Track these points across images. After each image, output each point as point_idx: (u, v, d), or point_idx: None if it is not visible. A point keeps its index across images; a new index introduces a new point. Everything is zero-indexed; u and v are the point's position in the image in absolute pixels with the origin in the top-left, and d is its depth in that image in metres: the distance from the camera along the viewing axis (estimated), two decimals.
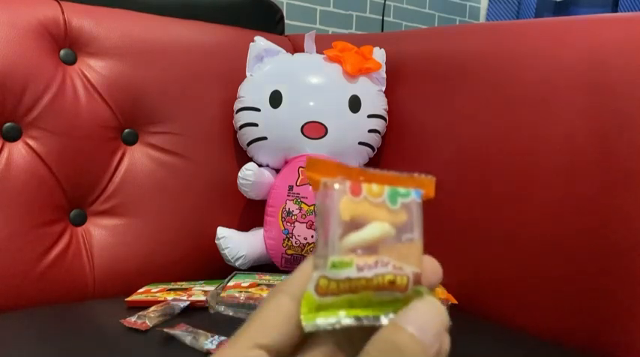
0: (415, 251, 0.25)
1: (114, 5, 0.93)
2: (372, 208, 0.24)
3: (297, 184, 0.88)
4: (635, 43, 0.67)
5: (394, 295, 0.24)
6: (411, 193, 0.25)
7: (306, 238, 0.86)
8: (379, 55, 0.94)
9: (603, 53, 0.69)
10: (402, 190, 0.25)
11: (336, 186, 0.24)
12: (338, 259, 0.23)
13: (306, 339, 0.25)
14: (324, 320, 0.23)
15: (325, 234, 0.24)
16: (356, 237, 0.24)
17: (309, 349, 0.25)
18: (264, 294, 0.73)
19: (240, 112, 0.91)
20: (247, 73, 0.93)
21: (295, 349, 0.25)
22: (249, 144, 0.91)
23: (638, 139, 0.64)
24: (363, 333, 0.24)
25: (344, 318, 0.23)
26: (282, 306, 0.24)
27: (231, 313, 0.72)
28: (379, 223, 0.24)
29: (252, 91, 0.91)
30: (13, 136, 0.80)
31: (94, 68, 0.86)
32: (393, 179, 0.25)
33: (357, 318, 0.24)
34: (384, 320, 0.24)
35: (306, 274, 0.25)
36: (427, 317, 0.23)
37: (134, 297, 0.76)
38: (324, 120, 0.88)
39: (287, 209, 0.87)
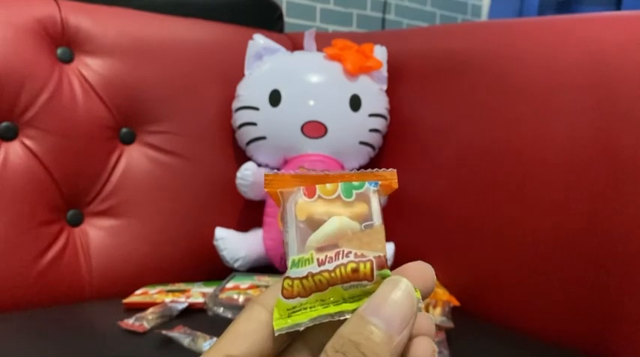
0: (377, 235, 0.24)
1: (111, 3, 0.92)
2: (327, 204, 0.24)
3: None
4: (637, 41, 0.66)
5: (363, 285, 0.24)
6: (365, 184, 0.25)
7: None
8: (380, 53, 0.93)
9: (606, 52, 0.68)
10: (355, 183, 0.25)
11: (290, 192, 0.25)
12: (297, 257, 0.24)
13: (282, 353, 0.24)
14: (295, 323, 0.23)
15: (287, 239, 0.24)
16: (316, 235, 0.24)
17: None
18: None
19: (239, 111, 0.90)
20: (246, 72, 0.93)
21: (267, 355, 0.24)
22: (248, 143, 0.91)
23: None
24: (328, 329, 0.23)
25: (316, 319, 0.23)
26: (254, 316, 0.24)
27: (229, 315, 0.71)
28: (336, 217, 0.24)
29: (250, 89, 0.90)
30: (9, 136, 0.79)
31: (91, 67, 0.85)
32: (351, 177, 0.26)
33: (330, 315, 0.23)
34: None
35: (279, 286, 0.24)
36: (393, 303, 0.22)
37: (132, 298, 0.76)
38: (324, 119, 0.87)
39: None
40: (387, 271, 0.24)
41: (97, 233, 0.84)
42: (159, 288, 0.80)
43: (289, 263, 0.24)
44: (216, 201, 0.93)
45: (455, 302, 0.78)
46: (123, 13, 0.91)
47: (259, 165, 0.90)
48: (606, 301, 0.65)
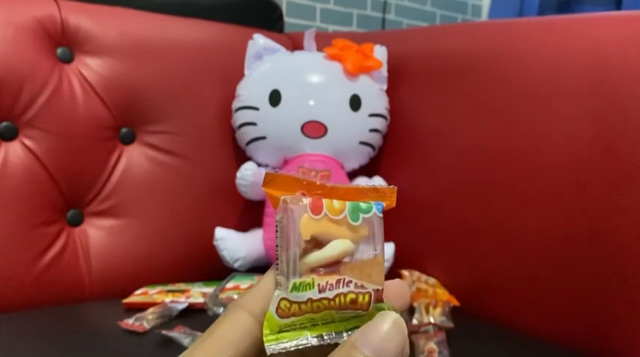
0: (377, 267, 0.24)
1: (111, 3, 0.92)
2: (333, 225, 0.24)
3: None
4: (637, 41, 0.66)
5: (357, 312, 0.24)
6: (373, 208, 0.24)
7: None
8: (380, 53, 0.93)
9: (606, 52, 0.68)
10: (363, 204, 0.24)
11: (296, 205, 0.23)
12: (299, 281, 0.23)
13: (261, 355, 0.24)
14: (288, 342, 0.23)
15: (286, 252, 0.23)
16: (317, 256, 0.23)
17: None
18: None
19: (239, 111, 0.90)
20: (246, 72, 0.93)
21: None
22: (248, 143, 0.91)
23: None
24: (317, 348, 0.24)
25: (306, 339, 0.23)
26: (240, 322, 0.24)
27: None
28: (340, 241, 0.24)
29: (250, 89, 0.90)
30: (9, 136, 0.79)
31: (91, 67, 0.85)
32: (354, 192, 0.25)
33: (320, 337, 0.24)
34: (346, 337, 0.24)
35: (265, 289, 0.24)
36: (386, 337, 0.23)
37: (131, 299, 0.76)
38: (324, 119, 0.87)
39: None
40: (382, 305, 0.24)
41: (96, 233, 0.84)
42: (159, 288, 0.80)
43: (289, 285, 0.23)
44: (216, 201, 0.93)
45: (455, 302, 0.78)
46: (123, 13, 0.91)
47: (259, 165, 0.90)
48: (606, 301, 0.65)
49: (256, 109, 0.88)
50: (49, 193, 0.80)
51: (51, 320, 0.71)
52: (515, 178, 0.75)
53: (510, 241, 0.75)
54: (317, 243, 0.24)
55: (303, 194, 0.24)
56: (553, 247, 0.70)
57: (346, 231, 0.24)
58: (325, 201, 0.24)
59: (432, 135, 0.89)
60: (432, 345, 0.63)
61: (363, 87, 0.90)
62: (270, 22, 1.11)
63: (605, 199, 0.66)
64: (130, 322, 0.67)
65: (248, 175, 0.86)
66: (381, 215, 0.25)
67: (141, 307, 0.73)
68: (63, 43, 0.85)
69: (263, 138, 0.89)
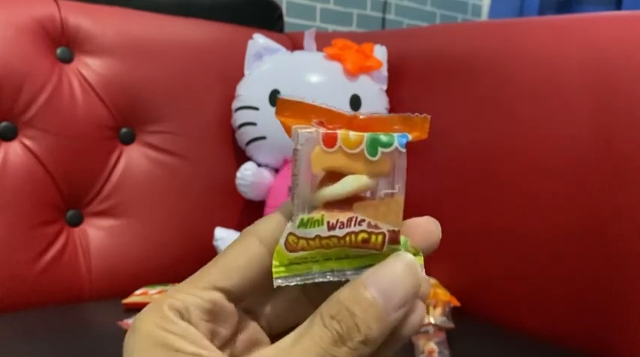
0: (395, 207, 0.22)
1: (111, 3, 0.92)
2: (347, 159, 0.22)
3: None
4: (638, 41, 0.66)
5: (370, 251, 0.22)
6: (394, 142, 0.22)
7: None
8: (380, 53, 0.93)
9: (607, 52, 0.68)
10: (383, 137, 0.22)
11: (307, 135, 0.22)
12: (307, 217, 0.22)
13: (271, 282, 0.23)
14: (297, 277, 0.22)
15: (297, 186, 0.22)
16: (328, 191, 0.22)
17: (274, 293, 0.24)
18: None
19: (239, 111, 0.90)
20: (246, 72, 0.93)
21: (258, 291, 0.23)
22: (247, 143, 0.91)
23: None
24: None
25: (317, 274, 0.22)
26: (249, 249, 0.23)
27: None
28: (354, 177, 0.22)
29: (250, 89, 0.90)
30: (9, 136, 0.79)
31: (90, 67, 0.85)
32: (378, 122, 0.23)
33: (331, 272, 0.22)
34: (356, 274, 0.22)
35: (281, 219, 0.23)
36: (396, 279, 0.21)
37: (131, 299, 0.76)
38: None
39: None
40: (397, 246, 0.22)
41: (96, 233, 0.84)
42: (159, 288, 0.80)
43: (297, 221, 0.22)
44: (216, 201, 0.93)
45: (455, 302, 0.78)
46: (123, 13, 0.91)
47: (259, 165, 0.90)
48: (606, 301, 0.65)
49: (256, 109, 0.88)
50: (49, 193, 0.80)
51: (51, 320, 0.71)
52: (516, 178, 0.75)
53: (510, 241, 0.75)
54: (333, 177, 0.22)
55: (321, 123, 0.22)
56: (553, 247, 0.70)
57: (362, 166, 0.22)
58: (340, 132, 0.22)
59: (431, 135, 0.88)
60: (432, 345, 0.63)
61: (363, 87, 0.90)
62: (270, 22, 1.10)
63: (605, 198, 0.66)
64: (129, 322, 0.67)
65: (248, 175, 0.86)
66: (404, 150, 0.22)
67: (141, 307, 0.72)
68: (63, 43, 0.85)
69: (263, 138, 0.89)
